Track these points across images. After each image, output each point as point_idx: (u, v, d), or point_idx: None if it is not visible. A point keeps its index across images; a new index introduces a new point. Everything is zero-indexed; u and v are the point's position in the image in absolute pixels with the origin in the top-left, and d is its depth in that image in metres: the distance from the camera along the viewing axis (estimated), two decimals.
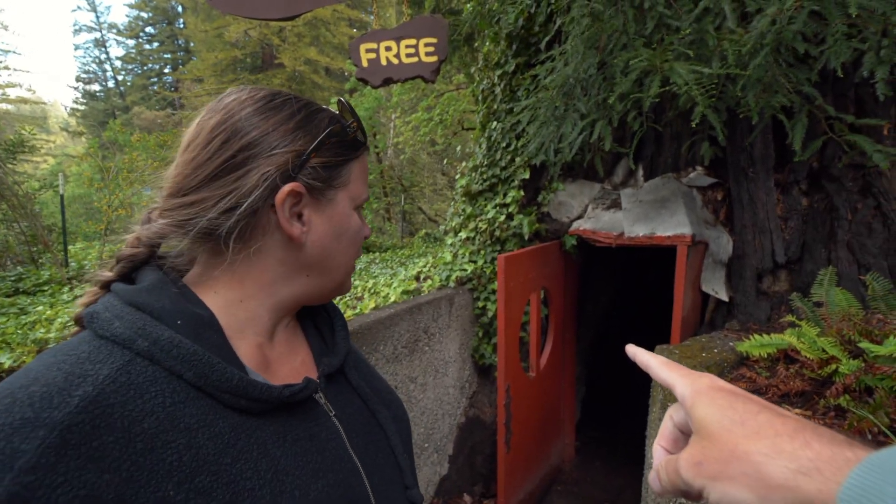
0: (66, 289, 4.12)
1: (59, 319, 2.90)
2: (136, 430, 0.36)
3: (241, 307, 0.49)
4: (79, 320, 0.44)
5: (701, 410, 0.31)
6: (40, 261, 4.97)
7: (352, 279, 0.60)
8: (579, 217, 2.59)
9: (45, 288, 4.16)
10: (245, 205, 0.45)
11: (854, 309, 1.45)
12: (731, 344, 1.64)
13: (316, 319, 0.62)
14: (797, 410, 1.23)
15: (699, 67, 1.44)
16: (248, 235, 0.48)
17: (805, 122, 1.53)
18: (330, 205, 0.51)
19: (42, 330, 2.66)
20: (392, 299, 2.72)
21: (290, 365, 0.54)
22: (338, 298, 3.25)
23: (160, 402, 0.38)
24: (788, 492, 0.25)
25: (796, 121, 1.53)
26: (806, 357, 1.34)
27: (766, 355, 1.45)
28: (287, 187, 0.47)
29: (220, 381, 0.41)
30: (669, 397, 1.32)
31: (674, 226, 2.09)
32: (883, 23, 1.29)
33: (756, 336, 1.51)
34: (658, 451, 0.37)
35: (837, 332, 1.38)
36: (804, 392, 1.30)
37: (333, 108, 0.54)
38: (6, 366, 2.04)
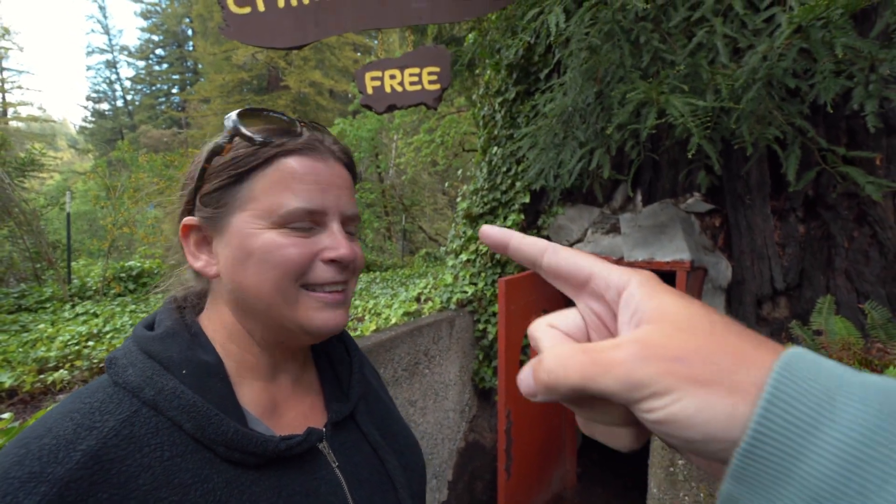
0: (67, 306, 4.12)
1: (61, 338, 2.90)
2: (131, 486, 0.36)
3: (232, 346, 0.49)
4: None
5: (666, 299, 0.22)
6: (43, 277, 4.99)
7: (352, 297, 0.57)
8: (579, 241, 2.61)
9: (48, 305, 4.16)
10: (176, 246, 0.51)
11: (853, 338, 1.46)
12: None
13: (332, 356, 0.58)
14: None
15: (694, 100, 1.49)
16: (197, 276, 0.53)
17: (798, 153, 1.57)
18: (228, 231, 0.47)
19: (43, 348, 2.65)
20: (393, 321, 2.73)
21: (297, 409, 0.52)
22: None
23: (158, 455, 0.38)
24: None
25: (790, 152, 1.57)
26: None
27: None
28: (182, 223, 0.49)
29: (216, 434, 0.41)
30: None
31: (672, 251, 2.11)
32: (870, 59, 1.34)
33: None
34: (552, 334, 0.26)
35: (837, 361, 1.39)
36: None
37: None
38: (6, 385, 2.04)
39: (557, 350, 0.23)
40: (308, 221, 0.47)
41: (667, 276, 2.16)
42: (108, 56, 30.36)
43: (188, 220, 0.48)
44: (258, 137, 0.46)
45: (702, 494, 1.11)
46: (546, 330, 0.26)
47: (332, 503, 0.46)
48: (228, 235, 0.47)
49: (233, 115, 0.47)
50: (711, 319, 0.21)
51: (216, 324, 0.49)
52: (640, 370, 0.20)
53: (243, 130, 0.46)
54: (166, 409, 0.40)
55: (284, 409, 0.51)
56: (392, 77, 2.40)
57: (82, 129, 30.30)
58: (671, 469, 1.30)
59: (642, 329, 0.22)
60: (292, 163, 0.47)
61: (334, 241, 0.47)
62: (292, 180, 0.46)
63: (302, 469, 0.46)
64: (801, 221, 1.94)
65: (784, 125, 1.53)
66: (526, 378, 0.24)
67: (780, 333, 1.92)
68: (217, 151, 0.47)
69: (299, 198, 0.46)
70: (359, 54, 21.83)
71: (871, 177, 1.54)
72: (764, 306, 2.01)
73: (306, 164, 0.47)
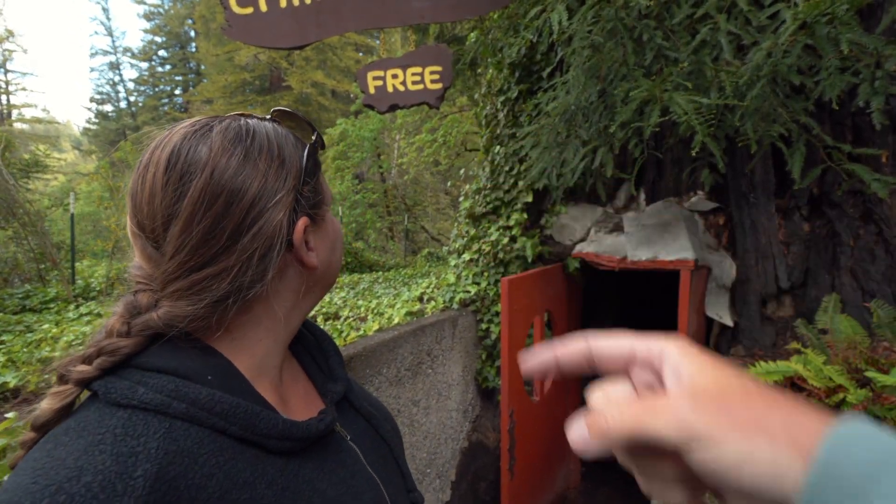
0: (72, 306, 4.14)
1: (65, 338, 2.91)
2: (202, 496, 0.36)
3: (260, 346, 0.48)
4: (76, 380, 0.38)
5: (706, 360, 0.25)
6: (47, 278, 5.02)
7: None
8: (582, 240, 2.60)
9: (52, 305, 4.19)
10: (275, 256, 0.44)
11: (859, 336, 1.44)
12: None
13: (303, 343, 0.60)
14: None
15: (698, 97, 1.48)
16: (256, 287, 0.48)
17: (803, 150, 1.56)
18: (323, 223, 0.51)
19: (47, 348, 2.67)
20: (395, 321, 2.72)
21: (296, 395, 0.54)
22: (342, 319, 3.26)
23: (214, 462, 0.38)
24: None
25: (794, 149, 1.56)
26: (813, 385, 1.33)
27: (772, 383, 1.44)
28: (300, 226, 0.46)
29: (268, 428, 0.42)
30: None
31: (676, 250, 2.10)
32: (876, 55, 1.33)
33: (762, 363, 1.50)
34: (605, 395, 0.28)
35: (844, 360, 1.38)
36: None
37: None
38: (11, 385, 2.05)
39: (613, 398, 0.26)
40: None
41: (671, 274, 2.16)
42: (112, 58, 30.51)
43: (304, 222, 0.47)
44: (316, 140, 0.52)
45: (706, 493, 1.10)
46: (599, 394, 0.29)
47: (358, 471, 0.51)
48: (325, 227, 0.52)
49: (286, 115, 0.52)
50: (751, 379, 0.24)
51: (232, 328, 0.48)
52: (689, 415, 0.22)
53: (316, 137, 0.52)
54: (205, 419, 0.39)
55: (287, 398, 0.52)
56: (394, 76, 2.40)
57: (86, 131, 30.45)
58: None
59: (689, 384, 0.24)
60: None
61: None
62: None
63: (330, 447, 0.50)
64: (805, 220, 1.93)
65: (789, 122, 1.52)
66: (578, 431, 0.26)
67: (784, 332, 1.91)
68: (312, 154, 0.50)
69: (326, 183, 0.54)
70: (361, 54, 21.86)
71: (877, 174, 1.53)
72: (769, 305, 1.99)
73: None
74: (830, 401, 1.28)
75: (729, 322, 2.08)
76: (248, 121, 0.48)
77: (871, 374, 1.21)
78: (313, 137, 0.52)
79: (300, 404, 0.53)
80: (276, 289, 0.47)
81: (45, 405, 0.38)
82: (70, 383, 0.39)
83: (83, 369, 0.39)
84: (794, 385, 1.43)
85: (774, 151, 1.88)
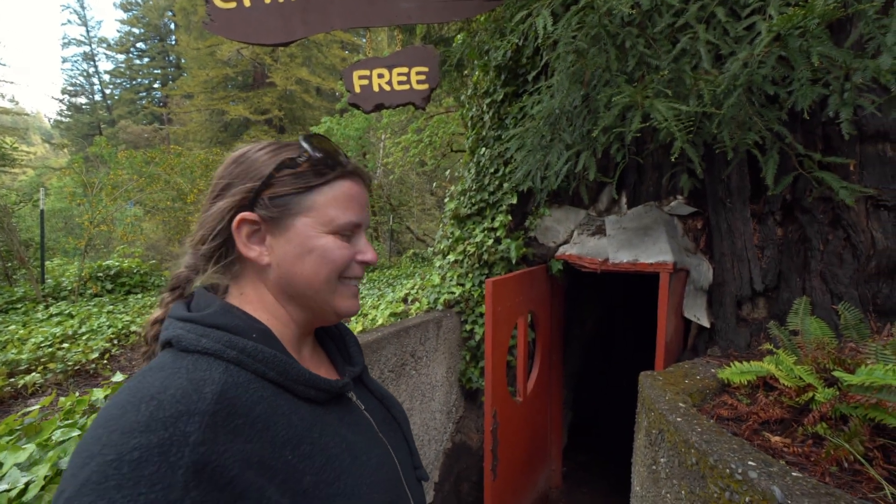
0: (41, 307, 3.99)
1: (33, 339, 2.80)
2: (253, 414, 0.47)
3: (274, 321, 0.59)
4: (152, 337, 0.57)
5: None
6: (14, 277, 4.82)
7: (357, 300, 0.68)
8: (565, 242, 2.64)
9: (19, 306, 4.02)
10: (212, 234, 0.57)
11: (828, 338, 1.50)
12: (712, 370, 1.67)
13: (329, 333, 0.74)
14: (777, 438, 1.26)
15: (677, 105, 1.51)
16: (232, 260, 0.60)
17: (776, 158, 1.61)
18: (289, 230, 0.58)
19: (14, 350, 2.56)
20: (379, 322, 2.71)
21: (321, 372, 0.64)
22: None
23: (259, 395, 0.49)
24: None
25: (768, 157, 1.61)
26: (784, 385, 1.38)
27: (746, 382, 1.48)
28: (238, 217, 0.57)
29: (297, 376, 0.53)
30: (654, 424, 1.34)
31: (656, 253, 2.15)
32: (845, 68, 1.39)
33: (736, 363, 1.55)
34: None
35: (813, 360, 1.43)
36: (783, 420, 1.33)
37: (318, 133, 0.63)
38: None
39: None
40: (351, 231, 0.62)
41: (651, 277, 2.20)
42: (86, 48, 29.46)
43: (247, 214, 0.57)
44: (329, 161, 0.60)
45: (683, 492, 1.13)
46: None
47: (372, 434, 0.62)
48: (290, 234, 0.58)
49: (303, 138, 0.61)
50: None
51: (255, 304, 0.59)
52: None
53: (319, 154, 0.59)
54: (250, 364, 0.50)
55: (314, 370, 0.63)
56: (380, 76, 2.39)
57: (57, 124, 29.31)
58: (654, 467, 1.32)
59: None
60: (348, 185, 0.62)
61: (365, 247, 0.64)
62: (347, 199, 0.61)
63: (349, 408, 0.61)
64: (778, 224, 2.00)
65: (763, 131, 1.57)
66: None
67: (758, 333, 1.97)
68: (291, 165, 0.58)
69: (351, 213, 0.61)
70: (347, 52, 21.65)
71: (845, 182, 1.60)
72: (743, 307, 2.06)
73: (355, 187, 0.62)
74: (800, 399, 1.33)
75: (706, 323, 2.14)
76: (260, 143, 0.62)
77: (838, 373, 1.25)
78: (313, 156, 0.59)
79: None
80: (246, 275, 0.60)
81: (151, 319, 0.58)
82: (163, 305, 0.59)
83: (167, 297, 0.60)
84: (766, 385, 1.48)
85: (750, 158, 1.94)
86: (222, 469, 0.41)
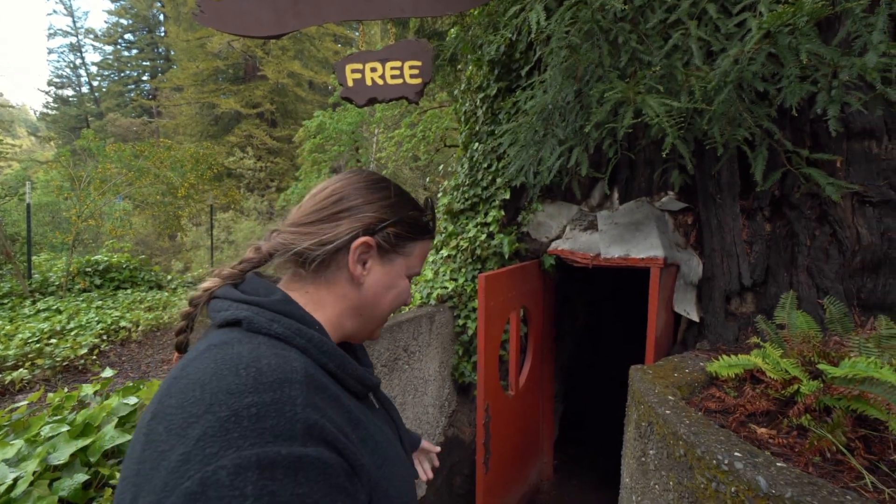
0: (27, 302, 3.93)
1: (20, 335, 2.76)
2: (328, 392, 0.52)
3: (325, 324, 0.64)
4: (195, 304, 0.60)
5: None
6: (0, 272, 4.73)
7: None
8: (558, 237, 2.65)
9: (6, 301, 3.95)
10: (334, 242, 0.63)
11: (813, 331, 1.53)
12: (701, 364, 1.70)
13: (349, 344, 0.80)
14: (763, 430, 1.29)
15: (669, 101, 1.52)
16: (325, 265, 0.65)
17: (765, 154, 1.63)
18: (390, 263, 0.69)
19: (0, 346, 2.52)
20: None
21: None
22: None
23: (326, 381, 0.53)
24: None
25: (757, 153, 1.63)
26: (770, 378, 1.40)
27: (733, 375, 1.51)
28: (362, 238, 0.64)
29: (352, 370, 0.59)
30: (643, 417, 1.36)
31: (647, 248, 2.17)
32: (833, 66, 1.41)
33: (724, 357, 1.58)
34: None
35: (798, 353, 1.46)
36: (769, 412, 1.36)
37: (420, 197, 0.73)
38: None
39: None
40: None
41: (642, 272, 2.22)
42: (73, 39, 28.84)
43: (369, 239, 0.65)
44: (431, 225, 0.75)
45: (671, 482, 1.15)
46: None
47: (391, 430, 0.69)
48: (388, 267, 0.69)
49: (430, 201, 0.75)
50: None
51: (314, 304, 0.64)
52: None
53: (431, 217, 0.74)
54: (314, 353, 0.54)
55: None
56: (373, 70, 2.37)
57: (43, 116, 28.71)
58: (643, 459, 1.34)
59: None
60: (429, 244, 0.76)
61: (410, 292, 0.75)
62: (425, 255, 0.75)
63: (373, 405, 0.68)
64: (767, 220, 2.03)
65: (753, 127, 1.58)
66: None
67: (747, 328, 2.00)
68: (416, 218, 0.72)
69: (422, 267, 0.75)
70: (339, 45, 21.43)
71: (832, 178, 1.62)
72: (732, 301, 2.09)
73: (429, 246, 0.76)
74: (786, 392, 1.35)
75: (695, 318, 2.17)
76: (397, 185, 0.73)
77: (822, 366, 1.28)
78: (428, 217, 0.74)
79: None
80: (330, 282, 0.65)
81: (202, 287, 0.61)
82: (217, 277, 0.63)
83: (227, 270, 0.64)
84: (753, 378, 1.51)
85: (739, 155, 1.96)
86: (327, 432, 0.45)
